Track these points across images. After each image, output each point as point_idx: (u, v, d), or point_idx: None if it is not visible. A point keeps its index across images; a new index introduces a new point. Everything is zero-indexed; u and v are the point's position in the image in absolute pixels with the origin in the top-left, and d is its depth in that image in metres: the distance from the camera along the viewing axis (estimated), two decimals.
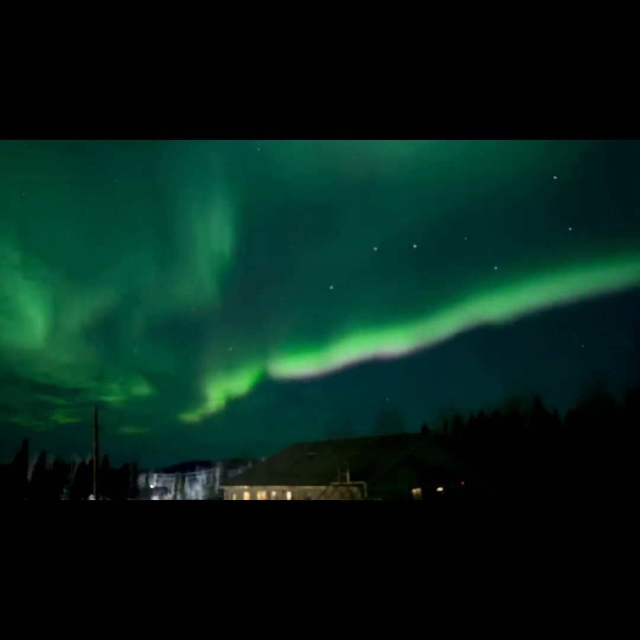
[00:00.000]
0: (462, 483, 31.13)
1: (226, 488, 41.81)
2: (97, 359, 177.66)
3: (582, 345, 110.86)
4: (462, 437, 52.97)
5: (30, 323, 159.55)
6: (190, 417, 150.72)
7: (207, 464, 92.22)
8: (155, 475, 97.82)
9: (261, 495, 36.04)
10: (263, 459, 53.92)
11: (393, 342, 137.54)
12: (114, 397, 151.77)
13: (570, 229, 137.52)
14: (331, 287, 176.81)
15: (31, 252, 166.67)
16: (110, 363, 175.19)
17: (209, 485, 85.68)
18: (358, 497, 27.45)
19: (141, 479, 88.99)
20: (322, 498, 28.63)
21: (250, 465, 64.55)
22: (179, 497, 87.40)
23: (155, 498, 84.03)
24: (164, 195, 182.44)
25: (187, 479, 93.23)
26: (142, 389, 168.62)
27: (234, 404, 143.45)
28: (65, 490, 75.42)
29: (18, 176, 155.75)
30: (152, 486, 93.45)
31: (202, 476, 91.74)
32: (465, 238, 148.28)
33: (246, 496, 37.55)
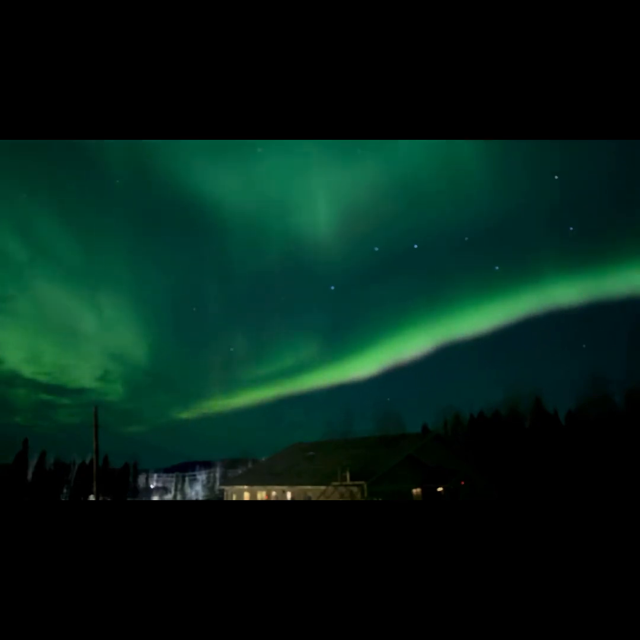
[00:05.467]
0: (462, 483, 31.11)
1: (226, 488, 41.78)
2: (101, 359, 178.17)
3: (583, 345, 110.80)
4: (462, 437, 52.93)
5: (34, 322, 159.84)
6: (191, 417, 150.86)
7: (207, 464, 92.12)
8: (155, 475, 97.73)
9: (261, 495, 36.02)
10: (263, 459, 53.90)
11: (396, 345, 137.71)
12: (116, 397, 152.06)
13: (571, 228, 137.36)
14: (332, 288, 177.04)
15: (37, 251, 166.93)
16: (113, 363, 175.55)
17: (209, 485, 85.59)
18: (358, 497, 27.43)
19: (141, 479, 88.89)
20: (322, 498, 28.62)
21: (250, 465, 64.50)
22: (179, 497, 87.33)
23: (155, 498, 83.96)
24: (163, 195, 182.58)
25: (187, 479, 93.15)
26: (144, 389, 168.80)
27: (235, 404, 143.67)
28: (65, 490, 75.39)
29: (21, 176, 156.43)
30: (152, 486, 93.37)
31: (202, 476, 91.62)
32: (466, 238, 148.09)
33: (246, 496, 37.53)
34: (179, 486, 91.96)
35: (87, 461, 72.96)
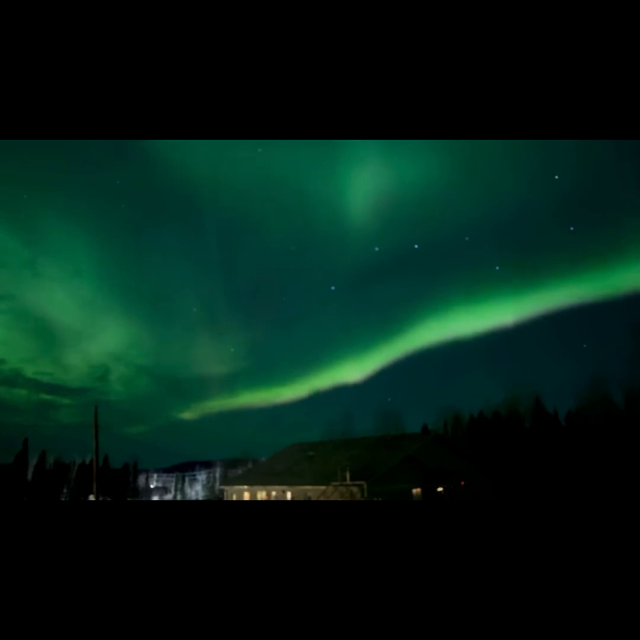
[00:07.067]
0: (462, 483, 31.12)
1: (226, 488, 41.79)
2: (101, 359, 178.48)
3: (584, 345, 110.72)
4: (462, 437, 52.90)
5: (34, 322, 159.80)
6: (191, 417, 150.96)
7: (207, 464, 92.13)
8: (155, 475, 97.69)
9: (261, 495, 36.02)
10: (263, 459, 53.90)
11: (395, 344, 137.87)
12: (116, 397, 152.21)
13: (571, 228, 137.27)
14: (333, 288, 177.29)
15: (38, 250, 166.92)
16: (113, 363, 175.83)
17: (209, 485, 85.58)
18: (358, 497, 27.43)
19: (141, 479, 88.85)
20: (322, 498, 28.62)
21: (250, 465, 64.50)
22: (179, 497, 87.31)
23: (155, 498, 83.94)
24: (165, 195, 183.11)
25: (187, 479, 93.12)
26: (144, 389, 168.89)
27: (235, 405, 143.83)
28: (65, 490, 75.37)
29: (21, 176, 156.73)
30: (152, 486, 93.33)
31: (202, 476, 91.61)
32: (466, 238, 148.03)
33: (246, 496, 37.53)
34: (179, 486, 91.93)
35: (87, 461, 72.90)
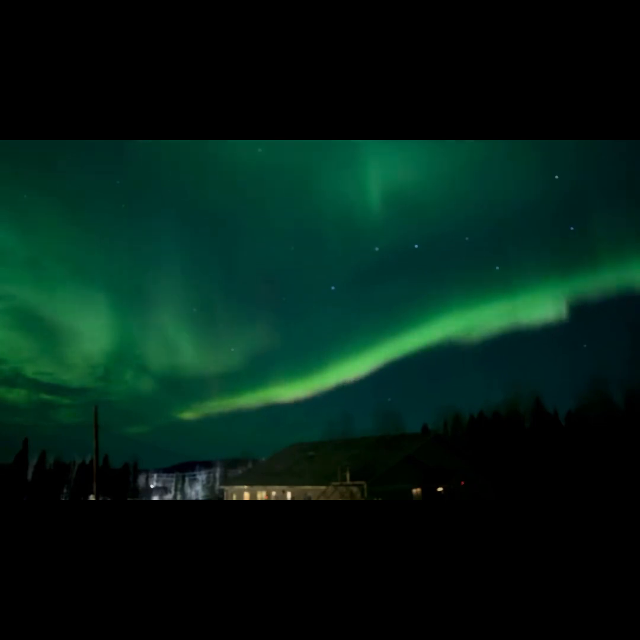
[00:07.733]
0: (462, 483, 31.12)
1: (226, 488, 41.80)
2: (101, 359, 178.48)
3: (584, 345, 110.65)
4: (462, 437, 52.91)
5: (34, 322, 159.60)
6: (191, 417, 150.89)
7: (207, 464, 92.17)
8: (155, 475, 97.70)
9: (261, 495, 36.03)
10: (263, 459, 53.92)
11: (395, 344, 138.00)
12: (116, 397, 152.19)
13: (571, 228, 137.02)
14: (333, 288, 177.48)
15: (40, 250, 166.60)
16: (114, 363, 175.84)
17: (209, 485, 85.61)
18: (358, 497, 27.44)
19: (141, 479, 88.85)
20: (322, 498, 28.62)
21: (250, 465, 64.52)
22: (179, 497, 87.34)
23: (155, 498, 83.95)
24: (162, 196, 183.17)
25: (187, 479, 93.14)
26: (144, 389, 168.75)
27: (235, 405, 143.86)
28: (65, 490, 75.38)
29: (22, 176, 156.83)
30: (152, 486, 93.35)
31: (202, 476, 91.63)
32: (467, 238, 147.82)
33: (246, 496, 37.54)
34: (179, 486, 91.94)
35: (87, 461, 72.86)
